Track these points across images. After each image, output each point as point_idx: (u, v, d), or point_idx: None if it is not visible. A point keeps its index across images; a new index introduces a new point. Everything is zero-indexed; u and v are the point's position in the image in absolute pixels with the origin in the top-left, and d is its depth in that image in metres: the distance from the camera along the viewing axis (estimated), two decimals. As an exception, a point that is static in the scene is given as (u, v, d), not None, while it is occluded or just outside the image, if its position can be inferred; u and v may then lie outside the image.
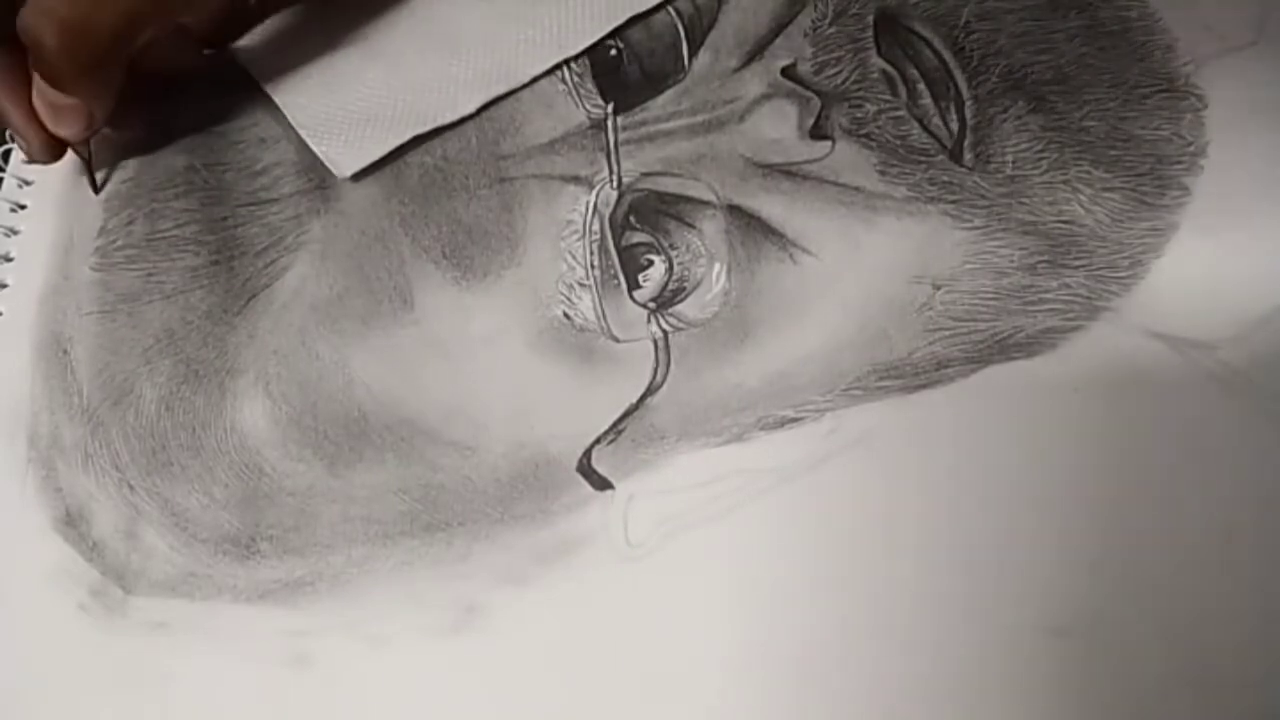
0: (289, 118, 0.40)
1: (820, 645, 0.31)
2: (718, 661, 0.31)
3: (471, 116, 0.40)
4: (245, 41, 0.42)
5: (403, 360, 0.36)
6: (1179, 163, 0.37)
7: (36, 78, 0.36)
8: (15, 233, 0.41)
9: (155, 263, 0.39)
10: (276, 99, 0.41)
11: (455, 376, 0.36)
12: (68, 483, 0.35)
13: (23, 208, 0.42)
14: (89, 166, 0.41)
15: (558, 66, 0.41)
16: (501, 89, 0.40)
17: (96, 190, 0.41)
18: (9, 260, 0.41)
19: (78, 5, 0.34)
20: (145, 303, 0.38)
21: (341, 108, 0.40)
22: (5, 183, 0.42)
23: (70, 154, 0.40)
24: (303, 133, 0.40)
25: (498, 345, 0.36)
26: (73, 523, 0.34)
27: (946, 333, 0.35)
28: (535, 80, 0.41)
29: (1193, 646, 0.30)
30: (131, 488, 0.35)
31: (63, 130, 0.37)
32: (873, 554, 0.32)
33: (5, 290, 0.40)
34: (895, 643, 0.31)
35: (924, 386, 0.34)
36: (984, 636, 0.30)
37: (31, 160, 0.39)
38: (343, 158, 0.39)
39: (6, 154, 0.43)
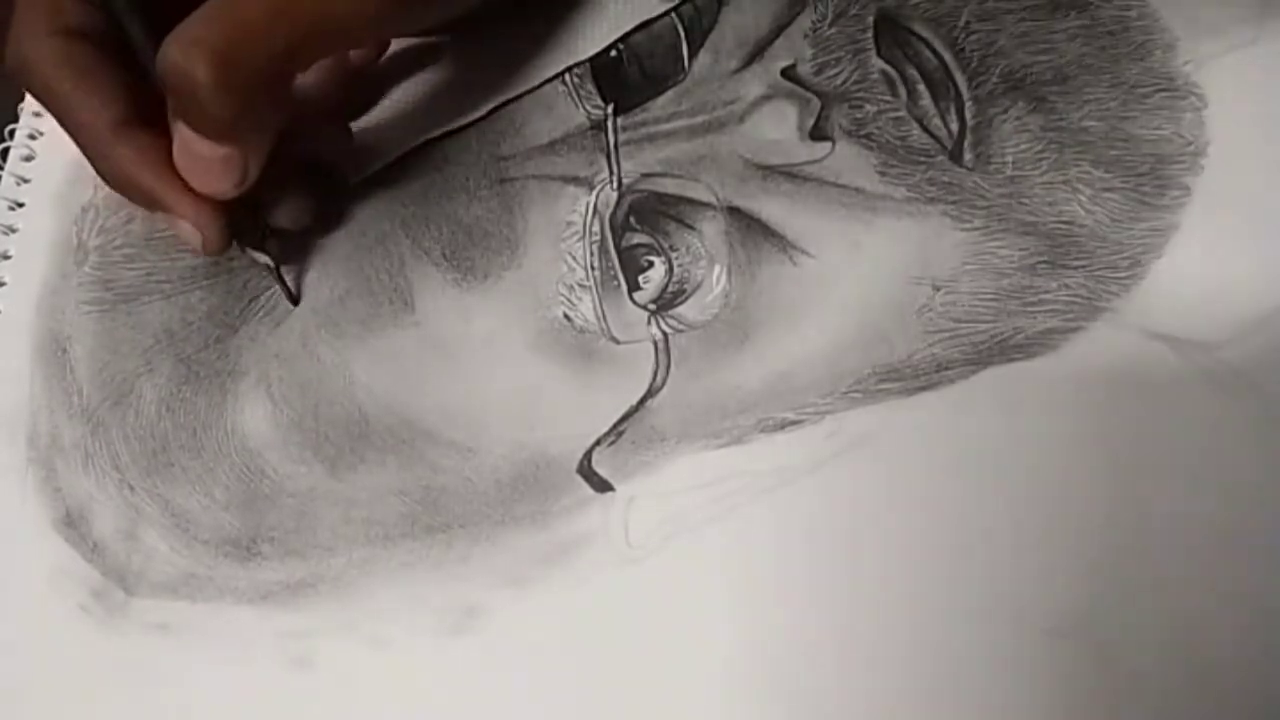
0: None
1: (820, 646, 0.31)
2: (718, 663, 0.31)
3: (475, 120, 0.40)
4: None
5: (403, 362, 0.36)
6: (1179, 162, 0.37)
7: (182, 133, 0.32)
8: (14, 231, 0.41)
9: (155, 262, 0.39)
10: None
11: (456, 378, 0.36)
12: (68, 483, 0.35)
13: (21, 206, 0.42)
14: (278, 271, 0.37)
15: (563, 70, 0.40)
16: (508, 94, 0.40)
17: (295, 300, 0.38)
18: (7, 258, 0.40)
19: (230, 32, 0.31)
20: (145, 302, 0.38)
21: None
22: (3, 180, 0.42)
23: (67, 145, 0.35)
24: None
25: (498, 346, 0.36)
26: (73, 523, 0.34)
27: (946, 334, 0.35)
28: (541, 85, 0.40)
29: (1193, 647, 0.30)
30: (132, 489, 0.35)
31: (213, 187, 0.33)
32: (873, 555, 0.32)
33: (3, 289, 0.40)
34: (895, 644, 0.31)
35: (924, 388, 0.34)
36: (984, 637, 0.30)
37: (205, 251, 0.35)
38: (348, 162, 0.39)
39: (4, 152, 0.43)
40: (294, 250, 0.38)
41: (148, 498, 0.34)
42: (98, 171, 0.35)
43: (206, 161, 0.33)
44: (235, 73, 0.31)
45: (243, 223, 0.35)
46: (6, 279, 0.40)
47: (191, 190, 0.33)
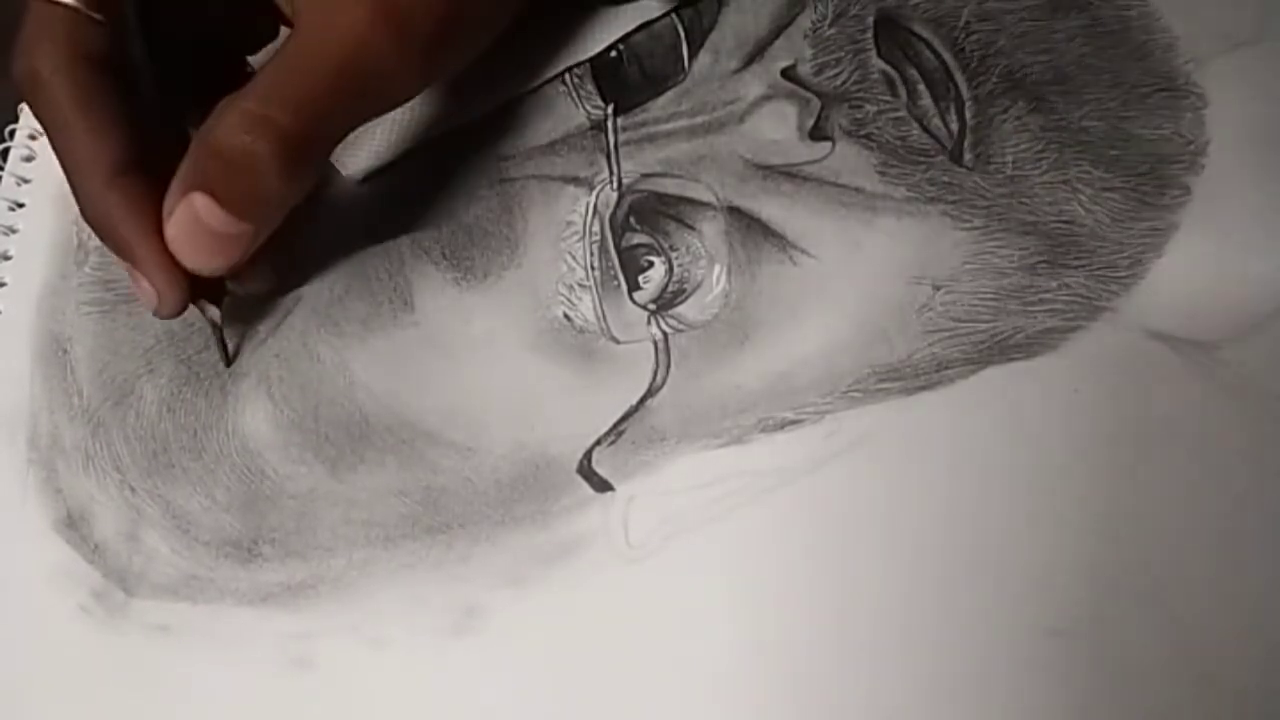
0: None
1: (820, 646, 0.31)
2: (718, 663, 0.31)
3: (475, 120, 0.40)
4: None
5: (403, 362, 0.36)
6: (1179, 162, 0.37)
7: (196, 203, 0.31)
8: (14, 231, 0.41)
9: (155, 263, 0.39)
10: None
11: (455, 377, 0.36)
12: (69, 484, 0.35)
13: (21, 206, 0.42)
14: (219, 332, 0.36)
15: (563, 70, 0.40)
16: (508, 94, 0.40)
17: (229, 361, 0.37)
18: (8, 259, 0.40)
19: (299, 111, 0.30)
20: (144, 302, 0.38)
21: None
22: (4, 181, 0.42)
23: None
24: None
25: (498, 346, 0.36)
26: (74, 524, 0.34)
27: (946, 334, 0.35)
28: (541, 85, 0.40)
29: (1193, 647, 0.30)
30: (133, 490, 0.35)
31: (207, 262, 0.32)
32: (872, 555, 0.32)
33: (4, 289, 0.40)
34: (895, 644, 0.31)
35: (924, 388, 0.34)
36: (984, 637, 0.30)
37: (159, 315, 0.34)
38: (351, 159, 0.39)
39: (5, 152, 0.43)
40: (293, 251, 0.38)
41: (149, 499, 0.34)
42: (79, 205, 0.33)
43: (215, 236, 0.31)
44: (304, 155, 0.31)
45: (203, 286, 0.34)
46: (7, 279, 0.40)
47: (165, 251, 0.32)
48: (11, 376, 0.37)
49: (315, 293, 0.38)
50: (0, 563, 0.34)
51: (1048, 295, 0.35)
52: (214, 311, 0.35)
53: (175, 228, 0.31)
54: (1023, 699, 0.30)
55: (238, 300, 0.37)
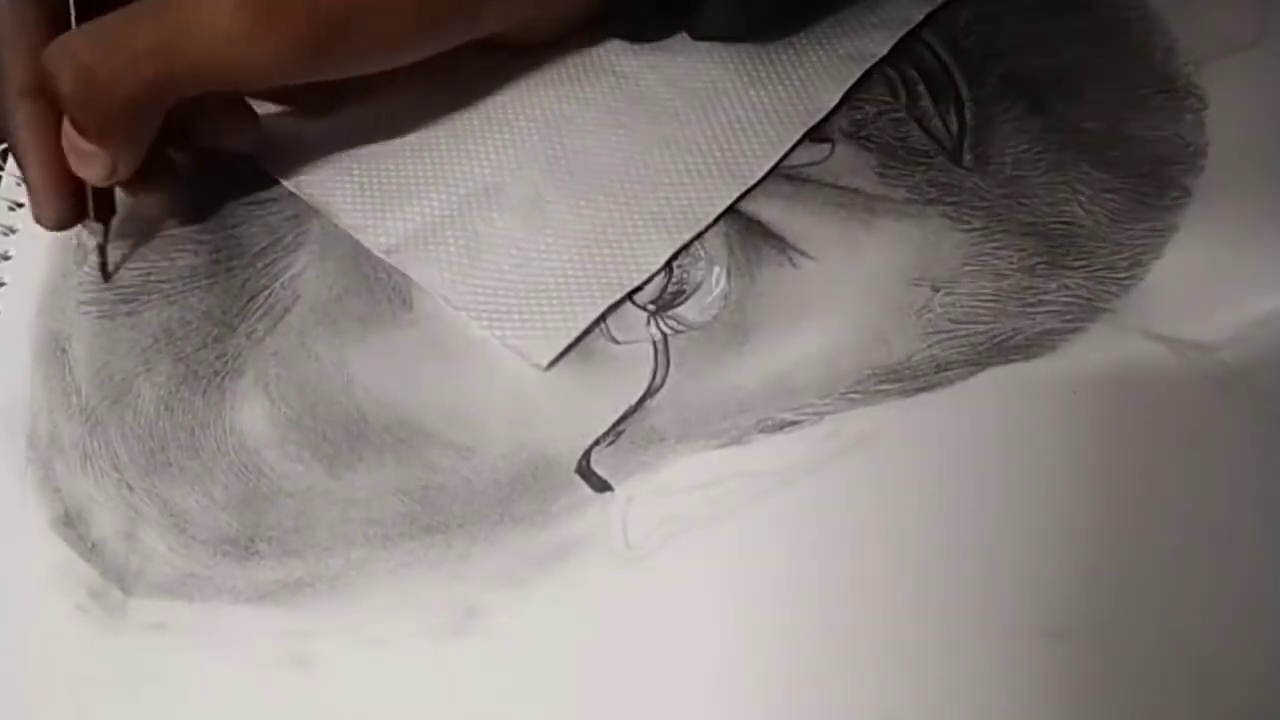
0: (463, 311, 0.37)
1: (819, 647, 0.31)
2: (717, 663, 0.31)
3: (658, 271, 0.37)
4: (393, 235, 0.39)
5: (402, 361, 0.36)
6: (1179, 163, 0.38)
7: (65, 121, 0.35)
8: (13, 231, 0.41)
9: (154, 263, 0.39)
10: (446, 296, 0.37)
11: (454, 377, 0.36)
12: (66, 483, 0.35)
13: (21, 206, 0.42)
14: (103, 249, 0.39)
15: (738, 200, 0.38)
16: (687, 236, 0.37)
17: (107, 276, 0.39)
18: (7, 259, 0.40)
19: (106, 54, 0.33)
20: (144, 303, 0.38)
21: (511, 290, 0.37)
22: (3, 180, 0.42)
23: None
24: (478, 321, 0.36)
25: (496, 345, 0.36)
26: (72, 523, 0.34)
27: (945, 335, 0.35)
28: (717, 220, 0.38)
29: (1192, 648, 0.30)
30: (130, 488, 0.34)
31: (83, 173, 0.35)
32: (872, 556, 0.32)
33: (3, 289, 0.40)
34: (894, 645, 0.31)
35: (923, 389, 0.34)
36: (983, 638, 0.30)
37: (39, 222, 0.37)
38: (536, 347, 0.36)
39: (5, 152, 0.43)
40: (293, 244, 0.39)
41: (146, 497, 0.34)
42: None
43: (79, 152, 0.34)
44: (97, 92, 0.33)
45: (97, 198, 0.37)
46: (6, 279, 0.40)
47: (55, 167, 0.35)
48: (11, 375, 0.37)
49: (314, 291, 0.38)
50: (-1, 562, 0.34)
51: (1047, 296, 0.35)
52: (95, 228, 0.38)
53: (63, 137, 0.35)
54: (1022, 699, 0.30)
55: (134, 216, 0.40)
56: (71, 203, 0.37)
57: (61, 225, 0.37)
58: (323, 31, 0.34)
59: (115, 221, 0.38)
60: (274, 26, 0.33)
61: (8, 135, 0.36)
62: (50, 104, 0.35)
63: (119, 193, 0.38)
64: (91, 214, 0.37)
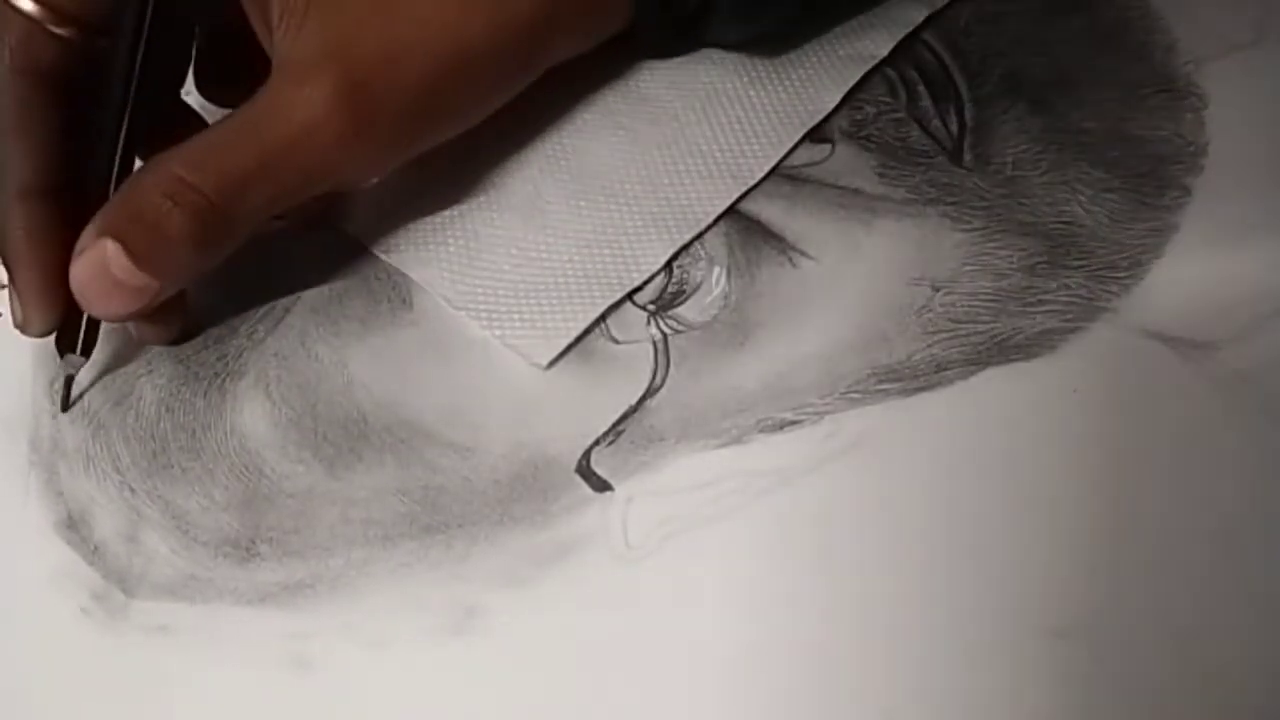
0: (460, 309, 0.37)
1: (819, 647, 0.31)
2: (717, 663, 0.31)
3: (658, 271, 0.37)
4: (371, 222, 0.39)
5: (401, 361, 0.36)
6: (1179, 163, 0.38)
7: (107, 248, 0.31)
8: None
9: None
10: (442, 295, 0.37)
11: (454, 376, 0.36)
12: (69, 486, 0.35)
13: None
14: (71, 382, 0.36)
15: (738, 201, 0.38)
16: (687, 236, 0.37)
17: (65, 407, 0.36)
18: (9, 262, 0.41)
19: (221, 184, 0.31)
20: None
21: (511, 290, 0.37)
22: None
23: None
24: (479, 321, 0.36)
25: (496, 345, 0.36)
26: (74, 526, 0.34)
27: (945, 335, 0.35)
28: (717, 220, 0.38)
29: (1193, 648, 0.30)
30: (132, 490, 0.35)
31: (103, 308, 0.32)
32: (872, 556, 0.32)
33: (3, 291, 0.40)
34: (895, 644, 0.31)
35: (923, 389, 0.34)
36: (984, 638, 0.30)
37: (21, 329, 0.34)
38: (536, 347, 0.36)
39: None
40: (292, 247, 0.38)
41: (148, 499, 0.34)
42: None
43: (118, 285, 0.31)
44: (221, 231, 0.32)
45: (74, 321, 0.34)
46: (7, 281, 0.40)
47: (50, 280, 0.33)
48: (13, 379, 0.37)
49: (314, 291, 0.38)
50: (2, 565, 0.34)
51: (1047, 296, 0.35)
52: (77, 361, 0.35)
53: (82, 268, 0.31)
54: (1022, 699, 0.30)
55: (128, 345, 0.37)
56: (61, 313, 0.34)
57: (47, 334, 0.34)
58: (419, 117, 0.34)
59: (82, 361, 0.35)
60: (371, 116, 0.32)
61: (0, 238, 0.34)
62: (54, 209, 0.33)
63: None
64: (79, 347, 0.34)
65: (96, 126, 0.34)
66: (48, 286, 0.33)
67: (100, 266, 0.31)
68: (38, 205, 0.33)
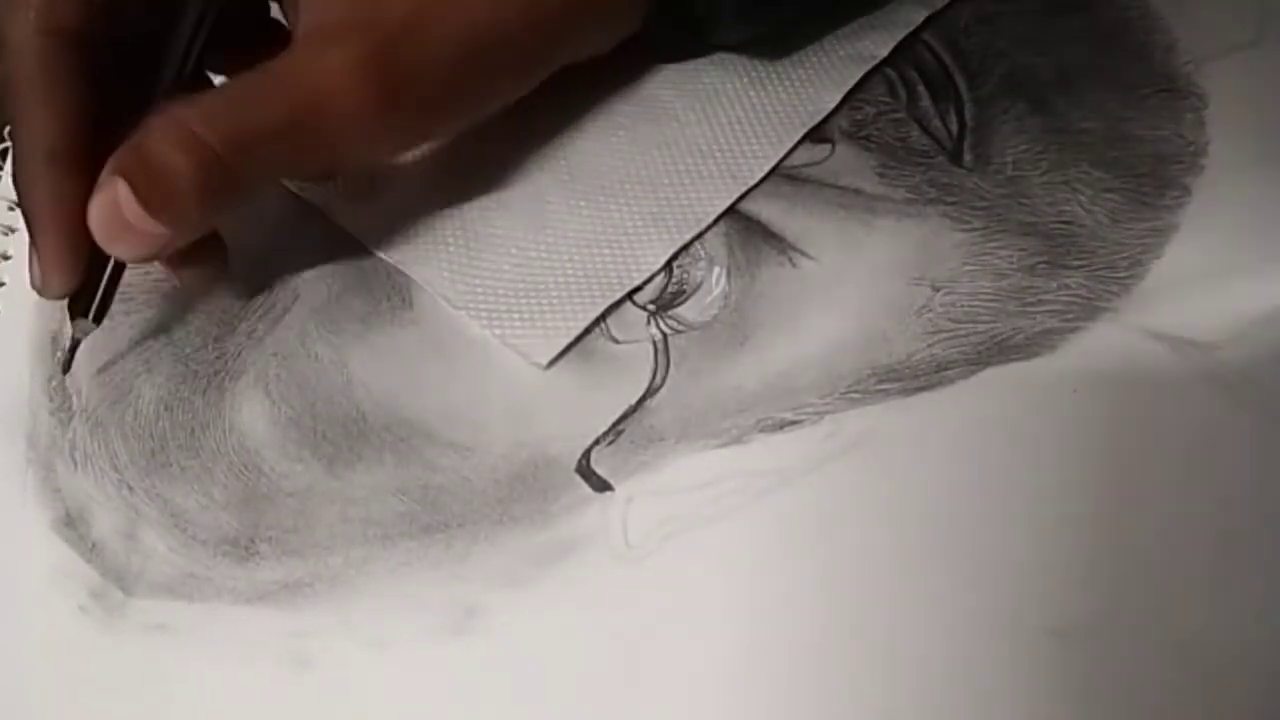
0: (461, 310, 0.37)
1: (819, 647, 0.31)
2: (717, 663, 0.31)
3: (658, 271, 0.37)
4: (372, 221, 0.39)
5: (401, 360, 0.36)
6: (1179, 163, 0.38)
7: (121, 190, 0.30)
8: (13, 231, 0.41)
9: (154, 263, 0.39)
10: (435, 289, 0.37)
11: (454, 376, 0.36)
12: (67, 484, 0.35)
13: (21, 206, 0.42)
14: (76, 347, 0.36)
15: (738, 201, 0.38)
16: (687, 236, 0.37)
17: (67, 369, 0.36)
18: (7, 259, 0.40)
19: (234, 137, 0.30)
20: (143, 302, 0.38)
21: (511, 290, 0.37)
22: (3, 180, 0.42)
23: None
24: (479, 320, 0.36)
25: (496, 345, 0.36)
26: (72, 524, 0.34)
27: (945, 335, 0.35)
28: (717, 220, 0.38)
29: (1193, 648, 0.30)
30: (130, 489, 0.34)
31: (118, 248, 0.32)
32: (872, 556, 0.32)
33: (3, 289, 0.40)
34: (894, 644, 0.31)
35: (923, 389, 0.34)
36: (983, 638, 0.30)
37: (40, 290, 0.34)
38: (536, 346, 0.36)
39: (4, 152, 0.43)
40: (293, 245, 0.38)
41: (146, 498, 0.34)
42: (12, 169, 0.34)
43: (129, 227, 0.31)
44: (226, 186, 0.31)
45: (90, 287, 0.34)
46: (6, 279, 0.40)
47: (72, 242, 0.32)
48: (11, 377, 0.37)
49: (313, 290, 0.38)
50: (0, 563, 0.34)
51: (1047, 296, 0.35)
52: (88, 326, 0.34)
53: (97, 206, 0.31)
54: (1022, 699, 0.30)
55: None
56: (80, 276, 0.33)
57: (65, 297, 0.34)
58: (448, 94, 0.33)
59: (91, 326, 0.35)
60: (396, 89, 0.32)
61: (24, 198, 0.33)
62: (78, 172, 0.32)
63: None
64: (93, 313, 0.34)
65: (131, 79, 0.34)
66: (69, 249, 0.33)
67: (114, 207, 0.31)
68: (62, 168, 0.33)
